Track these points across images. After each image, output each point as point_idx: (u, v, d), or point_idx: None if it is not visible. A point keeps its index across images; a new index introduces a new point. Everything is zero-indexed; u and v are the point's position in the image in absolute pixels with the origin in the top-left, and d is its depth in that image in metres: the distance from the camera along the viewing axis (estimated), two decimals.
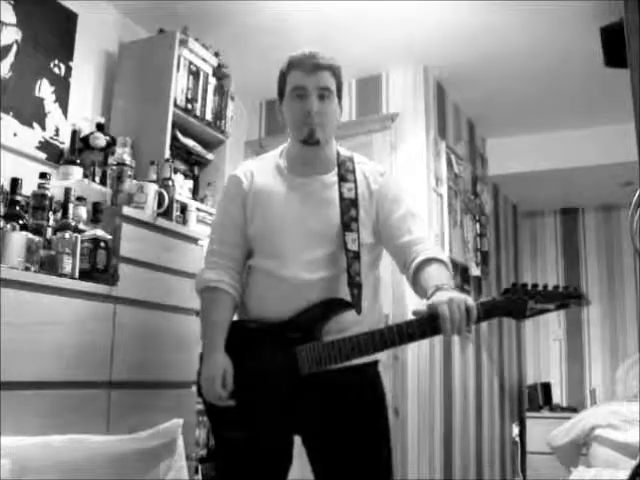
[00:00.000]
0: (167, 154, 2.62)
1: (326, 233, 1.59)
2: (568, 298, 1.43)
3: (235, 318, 1.66)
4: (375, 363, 1.66)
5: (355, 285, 1.53)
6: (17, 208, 1.96)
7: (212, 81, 2.96)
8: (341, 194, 1.61)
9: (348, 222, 1.58)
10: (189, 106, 2.80)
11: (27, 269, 1.83)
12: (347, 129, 3.57)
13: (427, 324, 1.39)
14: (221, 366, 1.53)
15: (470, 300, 1.36)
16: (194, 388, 2.03)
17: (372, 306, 1.64)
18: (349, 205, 1.59)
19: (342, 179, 1.63)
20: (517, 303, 1.41)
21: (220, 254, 1.66)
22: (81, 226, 2.08)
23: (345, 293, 1.54)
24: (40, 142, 2.51)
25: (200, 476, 2.41)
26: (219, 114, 3.00)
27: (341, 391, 1.55)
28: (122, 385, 2.04)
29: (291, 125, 1.64)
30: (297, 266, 1.56)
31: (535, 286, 1.42)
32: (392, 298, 3.16)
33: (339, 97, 1.65)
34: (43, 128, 2.53)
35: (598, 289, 5.14)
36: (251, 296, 1.64)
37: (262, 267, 1.62)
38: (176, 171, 2.73)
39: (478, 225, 4.10)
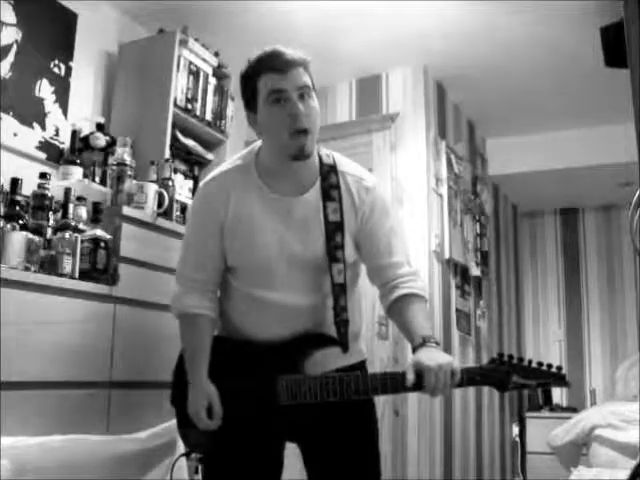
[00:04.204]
0: (167, 154, 2.62)
1: (311, 259, 1.52)
2: (551, 377, 1.41)
3: (217, 333, 1.63)
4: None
5: (342, 322, 1.50)
6: (17, 208, 1.96)
7: (212, 81, 2.96)
8: (326, 216, 1.51)
9: (334, 251, 1.50)
10: (189, 106, 2.79)
11: (27, 269, 1.83)
12: (347, 129, 3.58)
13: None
14: (205, 396, 1.50)
15: (455, 364, 1.36)
16: None
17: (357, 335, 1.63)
18: (334, 230, 1.50)
19: (326, 196, 1.52)
20: (501, 375, 1.40)
21: (196, 275, 1.59)
22: (81, 226, 2.08)
23: (330, 320, 1.51)
24: (40, 142, 2.51)
25: (200, 476, 2.41)
26: (219, 114, 2.99)
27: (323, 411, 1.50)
28: (122, 385, 2.04)
29: (274, 137, 1.46)
30: (283, 291, 1.52)
31: (521, 360, 1.42)
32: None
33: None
34: (43, 128, 2.53)
35: (598, 289, 5.14)
36: (233, 313, 1.61)
37: (246, 291, 1.57)
38: (176, 171, 2.73)
39: (478, 225, 4.10)
